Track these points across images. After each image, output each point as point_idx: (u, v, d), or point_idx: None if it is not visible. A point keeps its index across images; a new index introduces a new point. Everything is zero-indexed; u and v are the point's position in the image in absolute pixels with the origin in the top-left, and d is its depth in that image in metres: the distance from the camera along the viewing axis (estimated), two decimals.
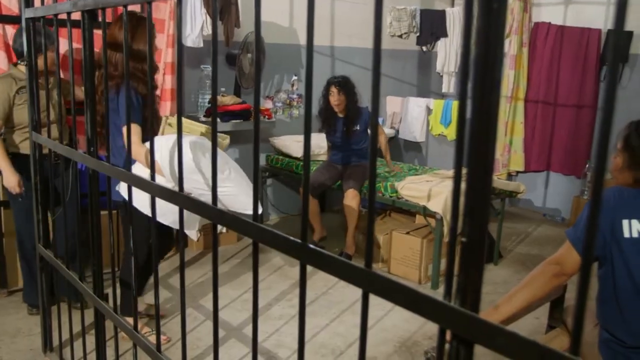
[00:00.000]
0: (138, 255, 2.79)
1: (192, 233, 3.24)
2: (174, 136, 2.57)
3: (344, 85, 4.19)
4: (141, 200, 2.16)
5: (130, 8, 1.81)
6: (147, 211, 2.32)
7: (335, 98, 4.21)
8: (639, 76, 5.08)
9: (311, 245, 1.05)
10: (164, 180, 2.55)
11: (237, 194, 2.62)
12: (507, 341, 0.74)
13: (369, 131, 4.20)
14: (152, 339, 2.23)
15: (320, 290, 3.67)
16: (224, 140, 3.18)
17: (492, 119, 0.76)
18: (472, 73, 0.76)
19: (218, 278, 1.41)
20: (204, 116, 4.37)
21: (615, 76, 0.63)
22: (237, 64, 4.58)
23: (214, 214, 1.36)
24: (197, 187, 2.55)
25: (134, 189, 1.78)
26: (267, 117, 4.75)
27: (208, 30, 4.30)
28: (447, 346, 0.85)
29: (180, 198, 1.47)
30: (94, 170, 2.04)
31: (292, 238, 1.10)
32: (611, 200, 1.75)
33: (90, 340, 2.36)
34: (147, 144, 2.53)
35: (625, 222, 1.69)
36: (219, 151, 2.71)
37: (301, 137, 4.98)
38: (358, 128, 4.29)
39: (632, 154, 1.76)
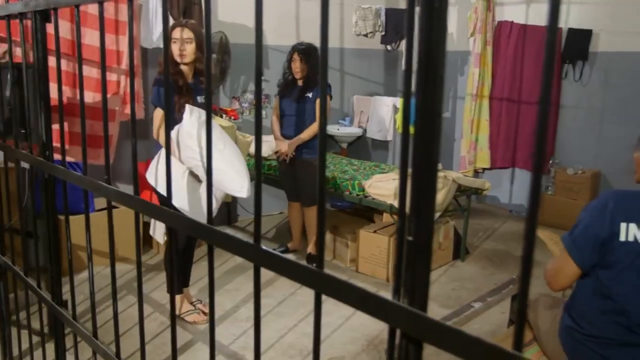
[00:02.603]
0: (177, 241, 3.00)
1: (159, 235, 3.21)
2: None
3: (307, 54, 4.02)
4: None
5: (82, 8, 1.77)
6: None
7: (296, 65, 4.06)
8: (598, 73, 5.20)
9: (264, 247, 1.04)
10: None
11: (226, 170, 2.71)
12: (454, 339, 0.74)
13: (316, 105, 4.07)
14: (191, 317, 3.31)
15: (287, 291, 3.65)
16: (245, 138, 3.42)
17: (437, 116, 0.76)
18: (416, 71, 0.76)
19: (175, 283, 1.38)
20: None
21: (549, 74, 0.63)
22: None
23: (168, 217, 1.33)
24: (191, 155, 2.76)
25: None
26: (232, 117, 4.71)
27: None
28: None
29: (134, 201, 1.44)
30: (49, 175, 1.99)
31: (244, 240, 1.08)
32: (609, 203, 1.75)
33: (51, 348, 2.30)
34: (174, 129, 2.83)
35: (623, 225, 1.71)
36: (217, 126, 2.84)
37: (267, 137, 4.95)
38: (309, 96, 4.10)
39: None
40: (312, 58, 4.04)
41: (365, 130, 6.01)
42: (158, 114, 3.05)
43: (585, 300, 1.82)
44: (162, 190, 2.77)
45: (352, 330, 3.20)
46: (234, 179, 2.72)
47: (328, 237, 4.45)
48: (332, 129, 5.78)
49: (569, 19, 5.27)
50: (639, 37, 4.86)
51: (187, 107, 2.82)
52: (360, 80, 6.10)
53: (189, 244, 3.24)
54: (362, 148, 6.18)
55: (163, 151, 2.90)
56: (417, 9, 0.78)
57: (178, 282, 3.22)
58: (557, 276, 1.84)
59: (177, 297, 3.22)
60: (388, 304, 0.81)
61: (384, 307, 0.82)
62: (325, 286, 0.92)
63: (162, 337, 3.06)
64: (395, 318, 0.81)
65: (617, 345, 1.75)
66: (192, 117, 2.77)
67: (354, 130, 5.91)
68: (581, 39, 5.17)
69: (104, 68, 1.56)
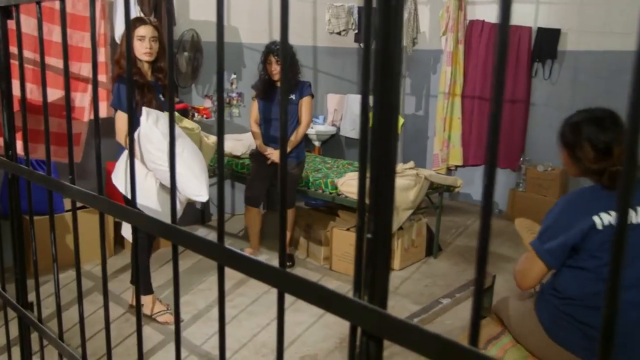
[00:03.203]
0: (138, 242, 2.90)
1: (129, 234, 3.18)
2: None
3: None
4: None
5: (50, 5, 1.74)
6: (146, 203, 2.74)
7: (273, 67, 3.90)
8: (567, 72, 5.28)
9: (227, 246, 1.03)
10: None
11: (184, 174, 2.68)
12: (413, 335, 0.74)
13: (299, 105, 4.01)
14: (162, 318, 3.20)
15: (261, 290, 3.64)
16: (209, 140, 3.31)
17: (393, 113, 0.76)
18: (373, 68, 0.76)
19: (143, 283, 1.37)
20: None
21: (502, 71, 0.64)
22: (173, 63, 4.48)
23: (133, 217, 1.32)
24: (150, 159, 2.73)
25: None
26: (205, 116, 4.67)
27: None
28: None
29: (99, 201, 1.42)
30: (13, 175, 1.95)
31: (208, 239, 1.07)
32: (578, 202, 1.84)
33: (17, 352, 2.26)
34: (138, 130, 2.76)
35: (596, 219, 1.78)
36: (177, 129, 2.81)
37: (241, 136, 4.94)
38: (293, 98, 3.99)
39: (568, 149, 1.86)
40: (289, 57, 3.93)
41: (338, 129, 6.02)
42: (121, 116, 2.95)
43: (564, 271, 1.86)
44: (128, 192, 2.75)
45: (325, 327, 3.21)
46: (191, 182, 2.70)
47: (301, 235, 4.44)
48: None
49: (538, 19, 5.35)
50: (605, 37, 4.95)
51: (144, 110, 2.76)
52: (333, 78, 6.10)
53: (148, 244, 3.17)
54: (336, 146, 6.19)
55: (125, 153, 2.87)
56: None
57: (147, 282, 3.17)
58: (526, 278, 1.93)
59: (149, 298, 3.18)
60: (349, 301, 0.81)
61: (345, 304, 0.82)
62: (288, 285, 0.93)
63: (134, 338, 3.01)
64: (356, 315, 0.81)
65: (594, 308, 1.79)
66: (148, 120, 2.71)
67: (327, 129, 5.91)
68: (550, 38, 5.25)
69: (66, 65, 1.53)
